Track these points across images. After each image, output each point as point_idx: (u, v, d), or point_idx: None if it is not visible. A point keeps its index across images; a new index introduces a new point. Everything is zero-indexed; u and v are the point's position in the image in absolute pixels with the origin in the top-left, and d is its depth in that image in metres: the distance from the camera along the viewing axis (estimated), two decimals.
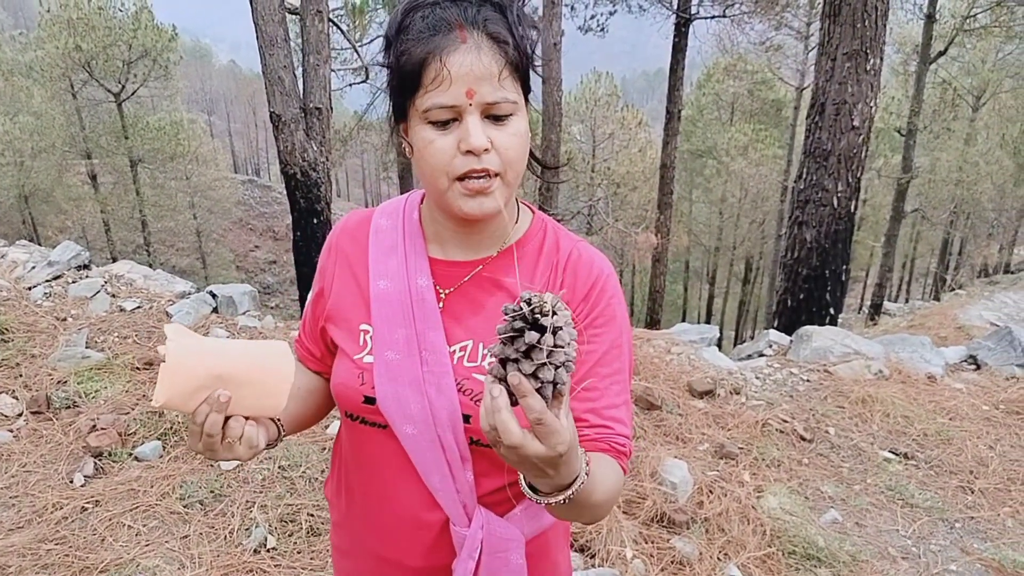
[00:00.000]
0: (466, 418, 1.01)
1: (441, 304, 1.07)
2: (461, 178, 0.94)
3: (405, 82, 0.95)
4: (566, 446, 0.75)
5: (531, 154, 1.08)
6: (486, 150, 0.92)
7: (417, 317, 1.05)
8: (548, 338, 0.72)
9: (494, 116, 0.93)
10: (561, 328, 0.73)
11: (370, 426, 1.08)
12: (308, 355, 1.23)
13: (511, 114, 0.94)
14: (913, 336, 5.37)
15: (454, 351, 1.04)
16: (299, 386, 1.19)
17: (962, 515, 3.41)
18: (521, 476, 0.86)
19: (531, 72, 0.99)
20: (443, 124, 0.93)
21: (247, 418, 0.97)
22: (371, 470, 1.12)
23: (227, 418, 0.94)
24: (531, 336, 0.72)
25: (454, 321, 1.05)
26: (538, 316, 0.72)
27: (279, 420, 1.10)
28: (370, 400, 1.05)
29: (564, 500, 0.82)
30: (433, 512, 1.08)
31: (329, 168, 7.70)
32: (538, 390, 0.73)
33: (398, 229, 1.12)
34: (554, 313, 0.72)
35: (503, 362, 0.75)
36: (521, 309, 0.72)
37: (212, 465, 3.34)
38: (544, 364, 0.72)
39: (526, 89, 0.99)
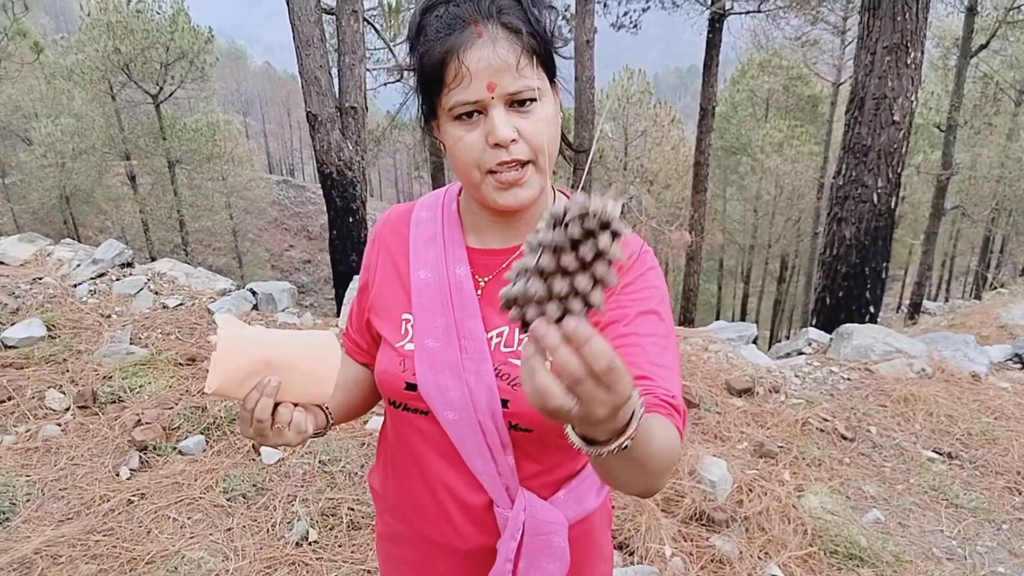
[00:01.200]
0: (504, 403, 1.03)
1: (480, 292, 1.09)
2: (493, 171, 0.96)
3: (429, 82, 0.97)
4: (631, 387, 0.68)
5: (563, 140, 1.10)
6: (513, 140, 0.94)
7: (455, 306, 1.07)
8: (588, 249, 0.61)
9: (518, 104, 0.94)
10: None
11: (413, 412, 1.11)
12: (355, 347, 1.27)
13: (535, 100, 0.95)
14: (956, 334, 5.27)
15: (491, 337, 1.06)
16: (346, 377, 1.23)
17: (1009, 516, 3.34)
18: (569, 428, 0.77)
19: (555, 54, 1.00)
20: (469, 118, 0.95)
21: (296, 405, 1.00)
22: (416, 456, 1.15)
23: (276, 404, 0.98)
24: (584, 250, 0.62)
25: (492, 308, 1.07)
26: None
27: (327, 408, 1.13)
28: (411, 387, 1.08)
29: (623, 445, 0.73)
30: (478, 494, 1.10)
31: (364, 167, 7.77)
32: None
33: (437, 220, 1.15)
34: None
35: (538, 301, 0.65)
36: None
37: (254, 459, 3.39)
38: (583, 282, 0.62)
39: (551, 72, 1.00)
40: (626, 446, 0.74)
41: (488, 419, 1.03)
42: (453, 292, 1.08)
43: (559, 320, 0.64)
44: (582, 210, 0.61)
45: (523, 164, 0.96)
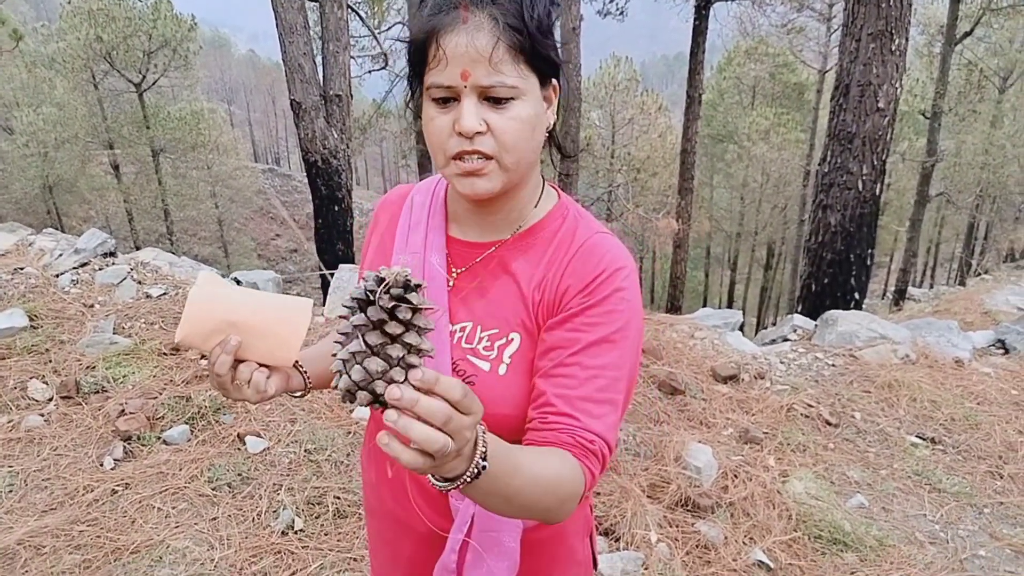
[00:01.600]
0: None
1: (451, 283, 1.09)
2: (457, 157, 0.96)
3: (413, 58, 0.98)
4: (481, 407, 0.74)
5: (552, 139, 1.08)
6: (480, 133, 0.93)
7: (427, 295, 1.07)
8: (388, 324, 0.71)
9: (494, 99, 0.93)
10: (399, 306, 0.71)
11: None
12: None
13: (512, 98, 0.93)
14: (940, 320, 5.31)
15: (454, 331, 1.06)
16: None
17: (991, 500, 3.38)
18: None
19: (552, 54, 0.97)
20: (443, 102, 0.94)
21: (262, 366, 1.03)
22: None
23: (240, 362, 1.01)
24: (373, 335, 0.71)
25: (459, 301, 1.08)
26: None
27: (305, 372, 1.15)
28: None
29: (477, 469, 0.77)
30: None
31: (350, 155, 7.73)
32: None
33: (426, 206, 1.16)
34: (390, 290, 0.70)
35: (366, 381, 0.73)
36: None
37: (240, 449, 3.38)
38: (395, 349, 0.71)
39: (542, 72, 0.97)
40: (479, 471, 0.77)
41: None
42: (426, 279, 1.08)
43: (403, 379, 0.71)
44: (379, 282, 0.70)
45: (487, 157, 0.95)
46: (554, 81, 1.01)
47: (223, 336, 0.99)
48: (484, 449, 0.77)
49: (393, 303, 0.70)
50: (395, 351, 0.71)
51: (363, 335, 0.72)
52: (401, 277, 0.70)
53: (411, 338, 0.71)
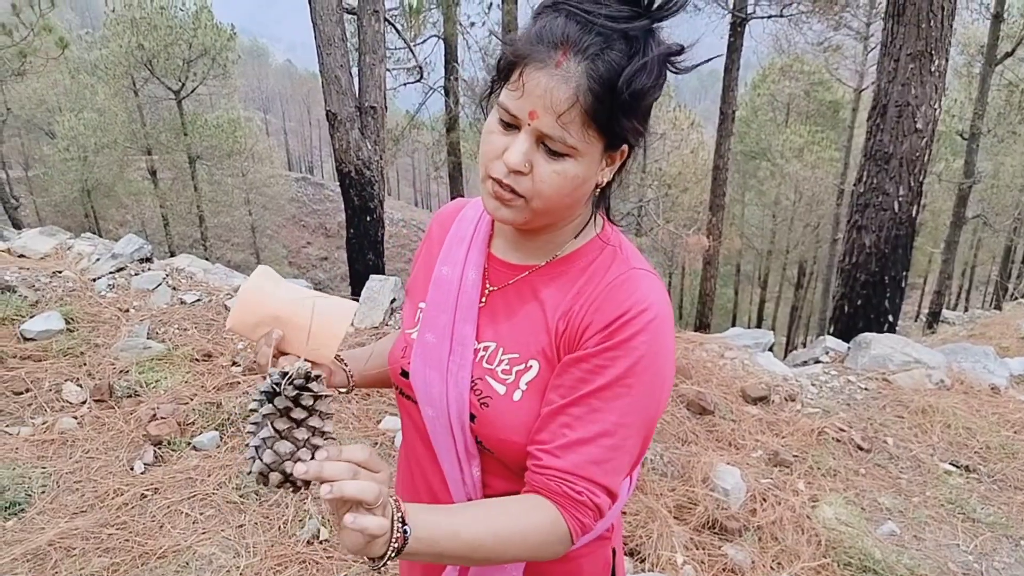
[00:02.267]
0: (472, 417, 1.03)
1: (484, 300, 1.09)
2: (493, 178, 0.95)
3: (500, 67, 0.95)
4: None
5: (602, 195, 1.06)
6: (520, 172, 0.92)
7: (459, 306, 1.08)
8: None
9: (548, 148, 0.90)
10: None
11: (406, 398, 1.15)
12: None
13: (567, 155, 0.90)
14: (976, 346, 5.21)
15: (477, 349, 1.06)
16: (392, 348, 1.28)
17: None
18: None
19: (630, 127, 0.92)
20: (507, 125, 0.93)
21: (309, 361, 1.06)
22: (409, 442, 1.19)
23: (283, 354, 1.05)
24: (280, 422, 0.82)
25: (488, 320, 1.08)
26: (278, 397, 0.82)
27: (349, 369, 1.22)
28: (405, 374, 1.12)
29: (393, 549, 0.82)
30: (446, 496, 1.11)
31: (383, 166, 7.78)
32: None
33: (474, 221, 1.17)
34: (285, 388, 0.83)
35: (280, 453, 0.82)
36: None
37: None
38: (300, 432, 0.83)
39: (611, 142, 0.93)
40: (404, 536, 0.83)
41: (458, 426, 1.04)
42: (461, 293, 1.09)
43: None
44: (283, 376, 0.82)
45: (518, 195, 0.94)
46: (625, 147, 0.97)
47: (267, 328, 1.04)
48: (401, 514, 0.84)
49: (296, 392, 0.81)
50: (301, 434, 0.81)
51: (272, 423, 0.81)
52: (302, 370, 0.82)
53: (315, 421, 0.82)
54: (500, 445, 1.01)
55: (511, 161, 0.91)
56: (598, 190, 1.02)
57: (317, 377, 0.82)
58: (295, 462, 0.80)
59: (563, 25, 0.87)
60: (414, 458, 1.17)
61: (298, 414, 0.81)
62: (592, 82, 0.85)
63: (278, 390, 0.81)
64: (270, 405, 0.82)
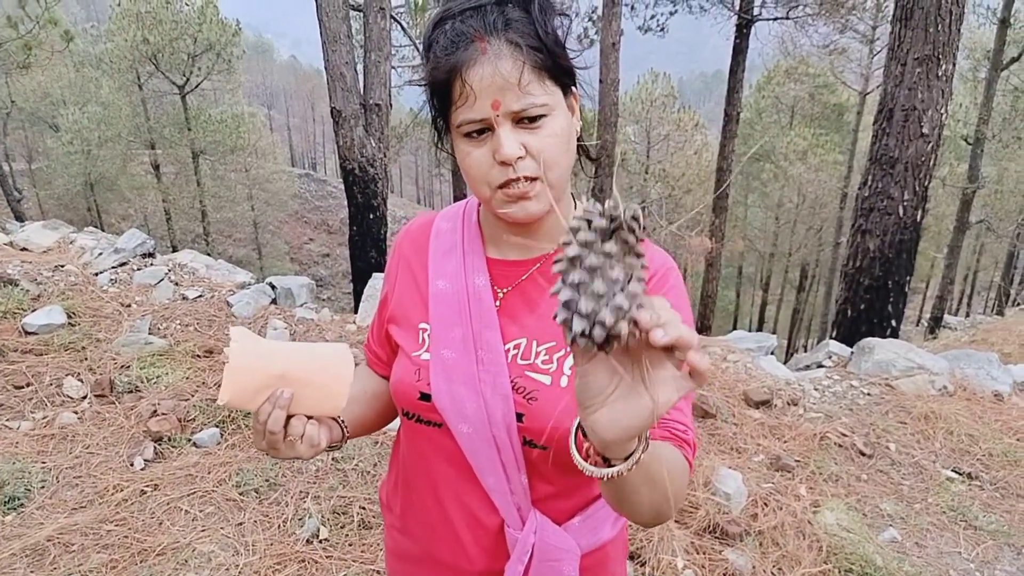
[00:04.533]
0: (519, 417, 1.00)
1: (498, 303, 1.07)
2: (503, 186, 0.95)
3: (437, 98, 0.97)
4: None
5: (580, 148, 1.08)
6: (520, 158, 0.92)
7: (474, 316, 1.05)
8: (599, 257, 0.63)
9: (527, 120, 0.92)
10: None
11: (426, 425, 1.09)
12: (375, 359, 1.26)
13: (543, 115, 0.93)
14: (979, 352, 5.19)
15: (508, 349, 1.04)
16: (365, 390, 1.22)
17: None
18: (574, 451, 0.78)
19: (568, 64, 0.97)
20: (478, 136, 0.94)
21: (309, 418, 1.00)
22: (428, 471, 1.12)
23: (289, 417, 0.98)
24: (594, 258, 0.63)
25: (509, 319, 1.06)
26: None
27: (343, 421, 1.12)
28: (425, 397, 1.06)
29: (634, 463, 0.74)
30: (490, 514, 1.07)
31: (387, 164, 7.78)
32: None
33: (457, 231, 1.14)
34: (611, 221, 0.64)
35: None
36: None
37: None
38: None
39: (564, 82, 0.97)
40: (632, 466, 0.74)
41: (503, 433, 1.01)
42: (472, 302, 1.06)
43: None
44: (612, 209, 0.64)
45: (531, 179, 0.94)
46: (574, 89, 1.01)
47: (270, 392, 0.96)
48: (645, 446, 0.76)
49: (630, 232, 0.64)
50: (622, 279, 0.64)
51: (604, 269, 0.64)
52: (632, 210, 0.64)
53: (635, 262, 0.65)
54: (555, 435, 0.98)
55: (508, 152, 0.91)
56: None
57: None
58: (620, 311, 0.63)
59: (461, 25, 0.92)
60: (443, 484, 1.10)
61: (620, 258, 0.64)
62: (522, 40, 0.91)
63: (613, 226, 0.64)
64: (597, 251, 0.64)
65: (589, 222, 0.65)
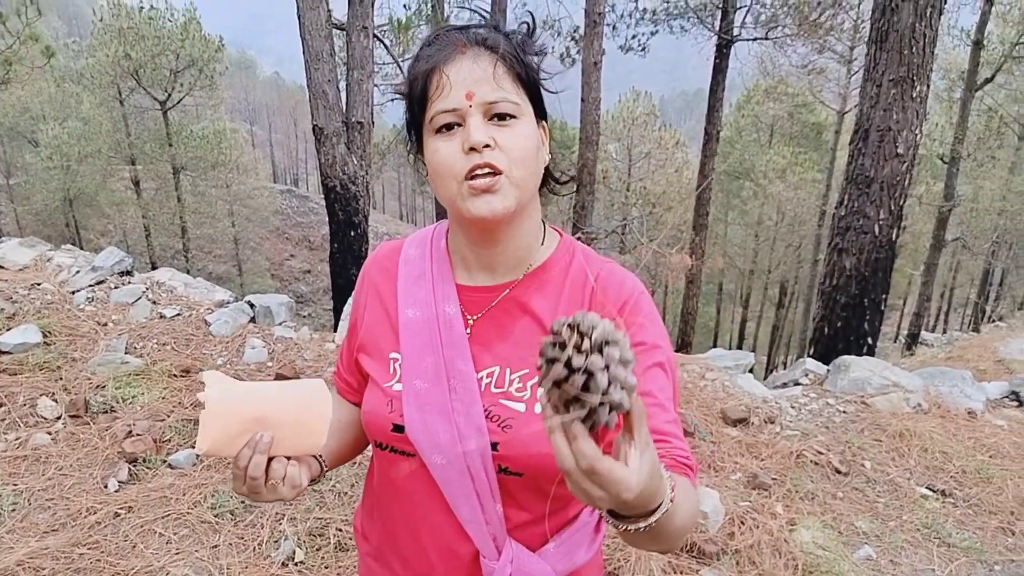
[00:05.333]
0: (494, 446, 1.00)
1: (469, 331, 1.06)
2: (468, 177, 0.95)
3: (415, 100, 1.00)
4: (632, 493, 0.69)
5: (548, 172, 1.10)
6: (488, 146, 0.94)
7: (445, 344, 1.05)
8: (579, 378, 0.63)
9: (498, 116, 0.96)
10: (606, 365, 0.64)
11: (399, 455, 1.08)
12: (347, 387, 1.24)
13: (514, 116, 0.96)
14: (953, 370, 5.25)
15: (481, 377, 1.03)
16: (338, 419, 1.20)
17: (1002, 557, 3.31)
18: (612, 521, 0.82)
19: (542, 92, 1.03)
20: (448, 129, 0.96)
21: (289, 458, 0.98)
22: (402, 500, 1.11)
23: (270, 460, 0.96)
24: (575, 380, 0.64)
25: (481, 347, 1.05)
26: (571, 355, 0.64)
27: (320, 456, 1.10)
28: (399, 428, 1.05)
29: (645, 527, 0.77)
30: (464, 544, 1.06)
31: (368, 182, 7.78)
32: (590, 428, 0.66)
33: (426, 258, 1.13)
34: (602, 346, 0.64)
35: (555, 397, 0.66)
36: (555, 346, 0.66)
37: None
38: (586, 403, 0.64)
39: (534, 101, 1.02)
40: (650, 526, 0.78)
41: (477, 463, 1.00)
42: (443, 331, 1.06)
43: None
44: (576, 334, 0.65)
45: (497, 172, 0.95)
46: (544, 123, 1.05)
47: (249, 436, 0.94)
48: (662, 514, 0.78)
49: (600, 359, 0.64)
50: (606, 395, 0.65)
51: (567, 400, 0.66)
52: (607, 329, 0.65)
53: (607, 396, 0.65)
54: (531, 462, 0.98)
55: (477, 138, 0.93)
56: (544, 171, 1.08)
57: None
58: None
59: (446, 36, 1.00)
60: (417, 515, 1.10)
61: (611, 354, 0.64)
62: (501, 45, 0.97)
63: (574, 366, 0.64)
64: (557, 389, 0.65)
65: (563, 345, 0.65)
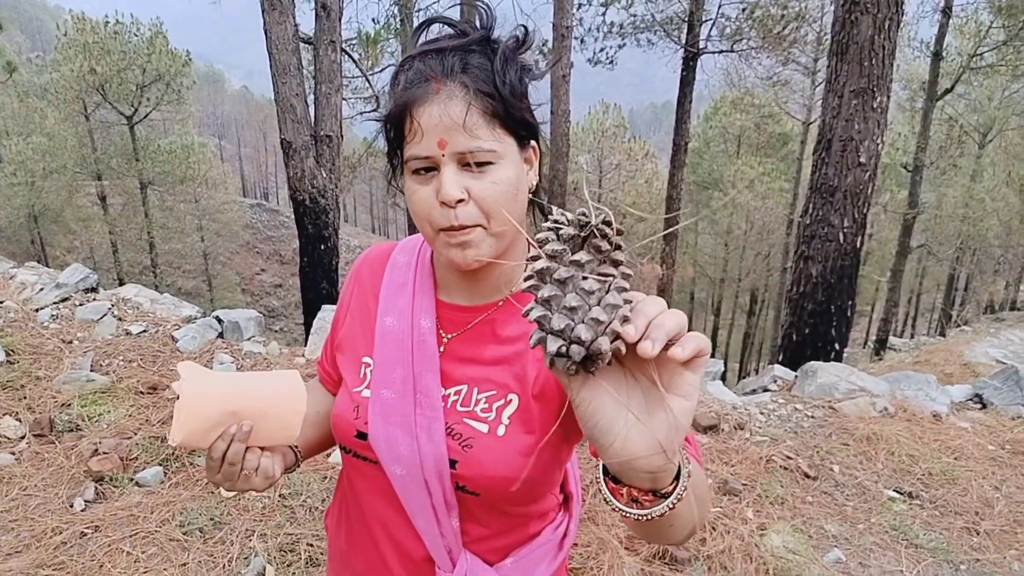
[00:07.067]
0: (453, 463, 1.00)
1: (443, 348, 1.06)
2: (444, 230, 0.94)
3: (391, 135, 0.99)
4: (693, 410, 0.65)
5: (534, 204, 1.07)
6: (460, 201, 0.91)
7: (416, 358, 1.04)
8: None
9: (473, 164, 0.92)
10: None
11: (363, 460, 1.08)
12: (327, 377, 1.25)
13: (490, 163, 0.93)
14: (919, 374, 5.34)
15: (448, 394, 1.03)
16: (318, 411, 1.22)
17: (967, 557, 3.37)
18: (609, 495, 0.76)
19: (527, 116, 0.97)
20: (425, 173, 0.94)
21: (263, 449, 1.00)
22: (362, 503, 1.12)
23: (244, 450, 0.98)
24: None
25: (453, 365, 1.05)
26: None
27: (296, 446, 1.13)
28: (362, 435, 1.05)
29: (676, 500, 0.72)
30: (421, 552, 1.07)
31: (338, 195, 7.76)
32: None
33: (411, 267, 1.13)
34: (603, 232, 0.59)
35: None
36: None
37: (213, 492, 3.33)
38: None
39: (519, 134, 0.97)
40: (675, 504, 0.73)
41: (434, 478, 1.00)
42: (415, 344, 1.05)
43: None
44: (581, 215, 0.61)
45: (472, 227, 0.94)
46: (533, 143, 1.01)
47: (223, 428, 0.95)
48: (686, 483, 0.74)
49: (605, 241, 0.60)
50: (601, 292, 0.60)
51: (576, 283, 0.60)
52: (603, 216, 0.60)
53: (613, 271, 0.61)
54: (488, 483, 0.99)
55: (448, 194, 0.91)
56: (530, 196, 1.05)
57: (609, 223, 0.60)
58: (598, 325, 0.59)
59: (423, 65, 0.94)
60: (376, 520, 1.10)
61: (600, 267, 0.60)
62: (475, 84, 0.92)
63: (583, 234, 0.59)
64: (566, 262, 0.60)
65: (557, 232, 0.61)
